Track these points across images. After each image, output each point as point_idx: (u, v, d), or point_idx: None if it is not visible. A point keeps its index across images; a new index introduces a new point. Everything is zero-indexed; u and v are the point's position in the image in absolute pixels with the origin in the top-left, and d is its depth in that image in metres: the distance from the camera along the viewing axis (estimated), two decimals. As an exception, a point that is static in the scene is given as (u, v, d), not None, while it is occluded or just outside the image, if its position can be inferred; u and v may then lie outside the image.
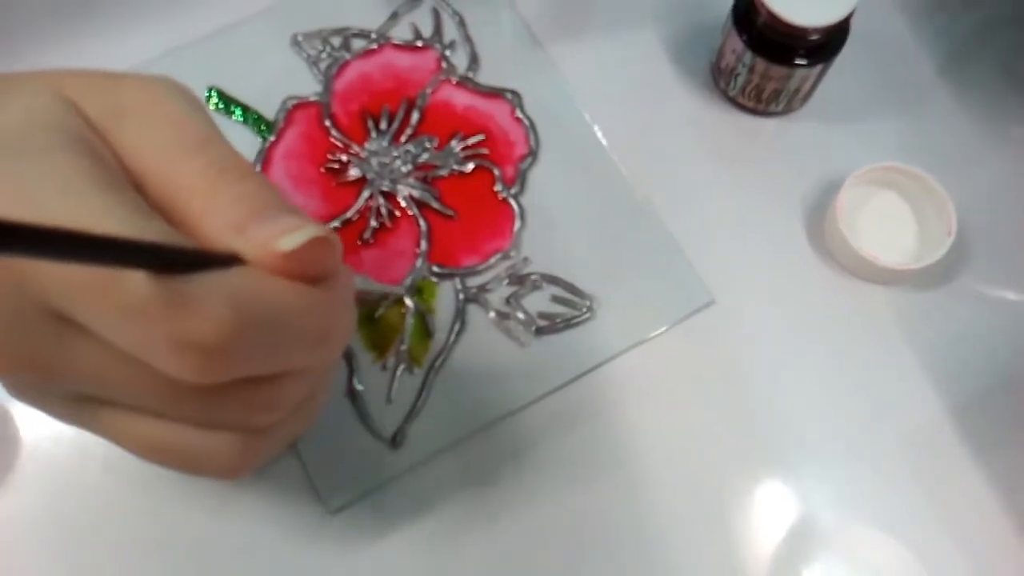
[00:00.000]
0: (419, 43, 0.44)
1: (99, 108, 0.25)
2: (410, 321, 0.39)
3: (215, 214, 0.23)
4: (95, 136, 0.24)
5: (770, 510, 0.37)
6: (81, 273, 0.21)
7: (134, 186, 0.24)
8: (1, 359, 0.23)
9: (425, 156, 0.42)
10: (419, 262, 0.40)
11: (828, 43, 0.39)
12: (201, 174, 0.24)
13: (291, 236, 0.23)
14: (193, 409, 0.24)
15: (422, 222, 0.40)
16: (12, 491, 0.37)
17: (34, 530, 0.36)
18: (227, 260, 0.22)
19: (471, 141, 0.42)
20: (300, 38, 0.44)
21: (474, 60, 0.44)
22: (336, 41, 0.44)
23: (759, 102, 0.42)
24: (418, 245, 0.40)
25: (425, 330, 0.39)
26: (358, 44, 0.44)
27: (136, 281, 0.21)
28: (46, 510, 0.36)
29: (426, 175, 0.41)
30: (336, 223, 0.40)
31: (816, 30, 0.38)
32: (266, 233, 0.23)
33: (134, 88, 0.25)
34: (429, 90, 0.43)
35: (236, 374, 0.23)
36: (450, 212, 0.41)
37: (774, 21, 0.38)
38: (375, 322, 0.39)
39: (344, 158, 0.41)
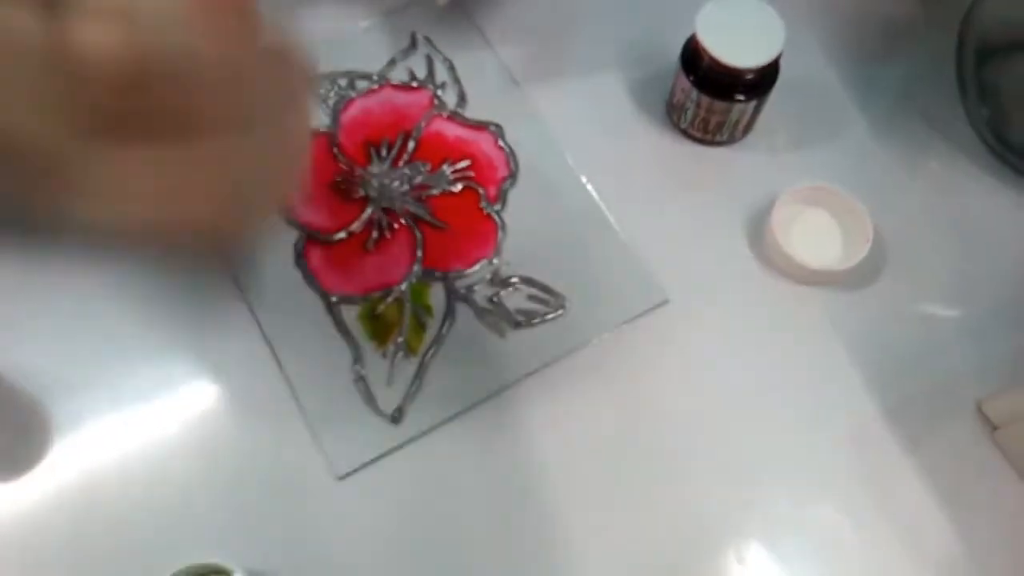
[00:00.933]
0: (414, 84, 0.51)
1: None
2: (407, 316, 0.45)
3: None
4: None
5: (719, 489, 0.43)
6: None
7: None
8: None
9: (420, 178, 0.48)
10: (415, 267, 0.46)
11: (761, 81, 0.46)
12: None
13: None
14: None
15: (417, 233, 0.47)
16: (47, 476, 0.42)
17: (65, 510, 0.41)
18: None
19: (459, 166, 0.49)
20: (312, 79, 0.51)
21: (462, 98, 0.51)
22: (343, 82, 0.51)
23: (706, 133, 0.49)
24: (414, 253, 0.46)
25: (420, 324, 0.45)
26: (362, 84, 0.51)
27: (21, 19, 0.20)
28: (79, 486, 0.42)
29: (421, 194, 0.48)
30: (343, 234, 0.46)
31: (750, 70, 0.45)
32: None
33: None
34: (423, 123, 0.50)
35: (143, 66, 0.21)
36: (441, 225, 0.47)
37: (715, 64, 0.45)
38: (377, 317, 0.45)
39: (350, 179, 0.48)
